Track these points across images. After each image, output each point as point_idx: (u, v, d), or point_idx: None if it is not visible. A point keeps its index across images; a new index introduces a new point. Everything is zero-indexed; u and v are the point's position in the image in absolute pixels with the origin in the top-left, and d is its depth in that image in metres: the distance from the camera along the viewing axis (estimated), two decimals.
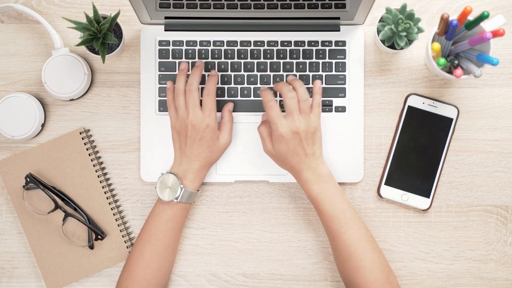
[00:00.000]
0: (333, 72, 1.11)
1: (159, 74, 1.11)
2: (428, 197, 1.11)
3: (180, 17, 1.07)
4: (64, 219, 1.08)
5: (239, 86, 1.11)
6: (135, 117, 1.13)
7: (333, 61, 1.11)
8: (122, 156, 1.12)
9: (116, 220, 1.11)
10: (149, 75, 1.11)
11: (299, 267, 1.12)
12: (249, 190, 1.13)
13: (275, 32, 1.11)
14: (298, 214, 1.12)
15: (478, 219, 1.12)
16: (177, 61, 1.11)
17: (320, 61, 1.11)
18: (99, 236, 1.09)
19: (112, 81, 1.13)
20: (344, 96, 1.11)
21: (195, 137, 1.04)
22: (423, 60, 1.13)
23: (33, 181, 1.08)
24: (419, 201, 1.11)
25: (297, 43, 1.11)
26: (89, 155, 1.11)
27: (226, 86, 1.11)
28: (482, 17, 0.96)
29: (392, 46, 1.08)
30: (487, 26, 1.01)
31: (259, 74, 1.11)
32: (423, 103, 1.11)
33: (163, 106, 1.11)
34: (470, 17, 1.01)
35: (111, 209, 1.11)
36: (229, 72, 1.11)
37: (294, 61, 1.11)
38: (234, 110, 1.11)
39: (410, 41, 1.07)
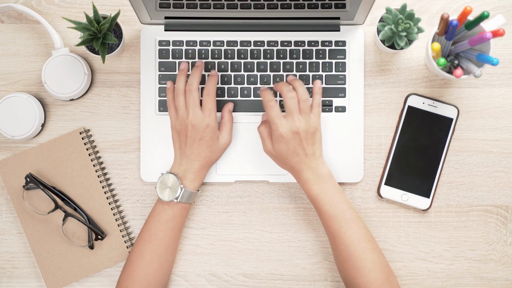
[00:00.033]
0: (333, 72, 1.11)
1: (159, 74, 1.11)
2: (428, 197, 1.11)
3: (180, 17, 1.07)
4: (64, 219, 1.08)
5: (239, 86, 1.11)
6: (135, 117, 1.13)
7: (333, 61, 1.11)
8: (122, 156, 1.12)
9: (116, 220, 1.11)
10: (149, 75, 1.11)
11: (299, 267, 1.12)
12: (249, 190, 1.12)
13: (275, 32, 1.11)
14: (298, 214, 1.12)
15: (478, 219, 1.12)
16: (177, 61, 1.11)
17: (320, 61, 1.11)
18: (99, 236, 1.09)
19: (112, 81, 1.13)
20: (344, 96, 1.11)
21: (195, 137, 1.04)
22: (423, 60, 1.13)
23: (33, 181, 1.08)
24: (419, 201, 1.11)
25: (297, 43, 1.11)
26: (89, 155, 1.11)
27: (226, 86, 1.11)
28: (482, 17, 0.96)
29: (392, 46, 1.08)
30: (487, 26, 1.01)
31: (259, 74, 1.11)
32: (423, 103, 1.11)
33: (163, 106, 1.11)
34: (470, 17, 1.01)
35: (111, 209, 1.11)
36: (229, 72, 1.11)
37: (294, 61, 1.11)
38: (234, 110, 1.10)
39: (410, 41, 1.07)
